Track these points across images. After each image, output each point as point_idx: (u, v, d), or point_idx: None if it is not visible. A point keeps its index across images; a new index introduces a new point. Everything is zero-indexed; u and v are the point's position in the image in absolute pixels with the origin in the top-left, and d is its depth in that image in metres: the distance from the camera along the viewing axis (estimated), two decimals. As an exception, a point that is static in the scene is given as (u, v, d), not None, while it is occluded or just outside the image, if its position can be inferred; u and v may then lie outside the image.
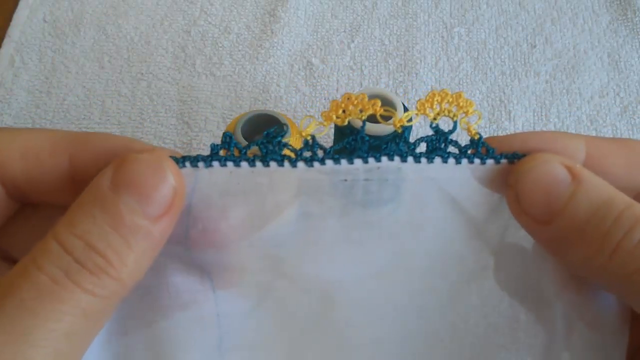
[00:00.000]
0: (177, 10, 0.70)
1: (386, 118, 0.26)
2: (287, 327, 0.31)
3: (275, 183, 0.25)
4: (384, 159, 0.25)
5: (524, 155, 0.26)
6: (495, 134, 0.53)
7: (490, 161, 0.26)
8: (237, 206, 0.26)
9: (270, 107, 0.62)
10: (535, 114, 0.62)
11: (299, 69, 0.65)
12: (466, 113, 0.26)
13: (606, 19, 0.69)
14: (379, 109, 0.25)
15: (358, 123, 0.26)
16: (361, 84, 0.64)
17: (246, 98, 0.63)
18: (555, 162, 0.25)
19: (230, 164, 0.25)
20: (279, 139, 0.25)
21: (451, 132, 0.26)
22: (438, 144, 0.26)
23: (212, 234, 0.26)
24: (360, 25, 0.69)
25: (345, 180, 0.26)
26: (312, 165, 0.25)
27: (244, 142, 0.47)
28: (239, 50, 0.66)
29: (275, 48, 0.66)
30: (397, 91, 0.64)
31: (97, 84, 0.64)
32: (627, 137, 0.60)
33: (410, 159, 0.25)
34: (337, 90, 0.64)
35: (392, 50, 0.67)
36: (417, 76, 0.65)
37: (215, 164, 0.25)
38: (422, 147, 0.26)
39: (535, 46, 0.67)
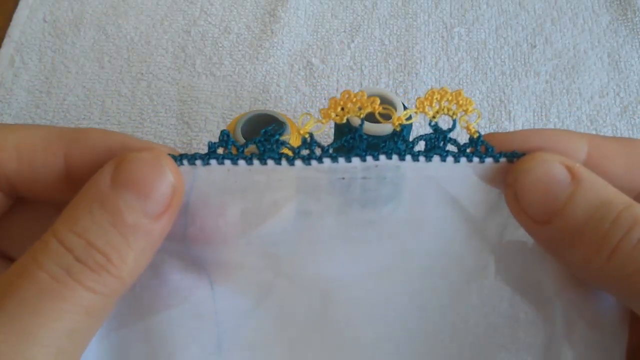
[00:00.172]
0: (177, 10, 0.70)
1: (385, 117, 0.26)
2: (287, 327, 0.31)
3: (272, 181, 0.25)
4: (382, 157, 0.25)
5: (523, 154, 0.26)
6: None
7: (489, 160, 0.26)
8: (234, 204, 0.26)
9: (270, 107, 0.62)
10: (535, 114, 0.62)
11: (299, 69, 0.65)
12: (466, 111, 0.26)
13: (606, 19, 0.69)
14: (377, 107, 0.25)
15: (357, 122, 0.26)
16: (361, 84, 0.64)
17: (246, 98, 0.63)
18: (555, 162, 0.25)
19: (227, 162, 0.25)
20: (277, 137, 0.25)
21: (450, 130, 0.26)
22: (437, 143, 0.26)
23: (209, 231, 0.26)
24: (360, 25, 0.69)
25: (343, 178, 0.26)
26: (309, 164, 0.25)
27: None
28: (239, 50, 0.66)
29: (275, 48, 0.66)
30: (397, 91, 0.64)
31: (97, 84, 0.64)
32: (627, 137, 0.60)
33: (408, 157, 0.25)
34: (337, 90, 0.64)
35: (392, 50, 0.67)
36: (417, 76, 0.64)
37: (213, 162, 0.25)
38: (421, 146, 0.26)
39: (535, 46, 0.67)
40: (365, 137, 0.25)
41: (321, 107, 0.62)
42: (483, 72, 0.65)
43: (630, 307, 0.25)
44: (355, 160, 0.25)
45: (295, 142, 0.49)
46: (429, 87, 0.63)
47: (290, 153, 0.25)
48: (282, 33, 0.67)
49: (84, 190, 0.24)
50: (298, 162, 0.25)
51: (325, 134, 0.59)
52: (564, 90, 0.63)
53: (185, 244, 0.27)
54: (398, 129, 0.26)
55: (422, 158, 0.25)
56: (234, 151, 0.25)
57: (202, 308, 0.29)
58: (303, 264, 0.29)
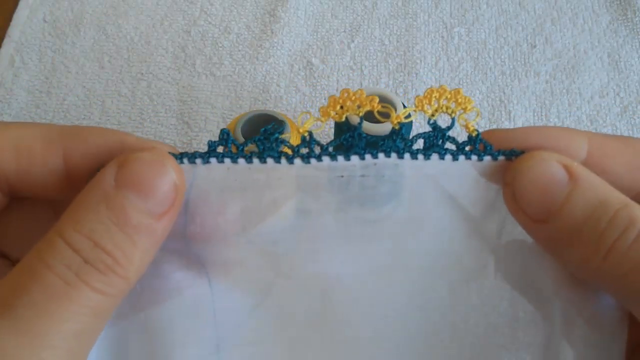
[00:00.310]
0: (177, 10, 0.70)
1: (385, 115, 0.26)
2: (287, 326, 0.31)
3: (272, 179, 0.26)
4: (381, 155, 0.25)
5: (522, 152, 0.26)
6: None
7: (487, 158, 0.26)
8: (234, 202, 0.26)
9: (270, 107, 0.62)
10: (535, 114, 0.62)
11: (299, 69, 0.65)
12: (464, 109, 0.26)
13: (606, 19, 0.69)
14: (376, 105, 0.25)
15: (356, 120, 0.26)
16: (361, 84, 0.64)
17: (246, 98, 0.63)
18: (553, 161, 0.25)
19: (227, 160, 0.25)
20: (276, 135, 0.25)
21: (449, 128, 0.26)
22: (435, 141, 0.26)
23: (209, 229, 0.27)
24: (360, 25, 0.69)
25: (342, 176, 0.26)
26: (308, 162, 0.25)
27: (244, 142, 0.47)
28: (239, 50, 0.66)
29: (275, 48, 0.66)
30: (397, 91, 0.64)
31: (97, 84, 0.64)
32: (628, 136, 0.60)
33: (407, 155, 0.25)
34: (337, 90, 0.64)
35: (392, 50, 0.67)
36: (417, 76, 0.64)
37: (213, 160, 0.25)
38: (420, 144, 0.26)
39: (535, 46, 0.67)
40: (364, 135, 0.25)
41: (321, 106, 0.62)
42: (483, 72, 0.65)
43: (627, 307, 0.25)
44: (354, 159, 0.25)
45: (295, 141, 0.49)
46: (429, 87, 0.63)
47: (290, 152, 0.25)
48: (282, 33, 0.67)
49: (88, 191, 0.24)
50: (297, 161, 0.25)
51: (326, 134, 0.59)
52: (564, 90, 0.63)
53: (185, 242, 0.27)
54: (397, 128, 0.26)
55: (420, 156, 0.26)
56: (233, 150, 0.26)
57: (199, 307, 0.29)
58: (303, 263, 0.29)
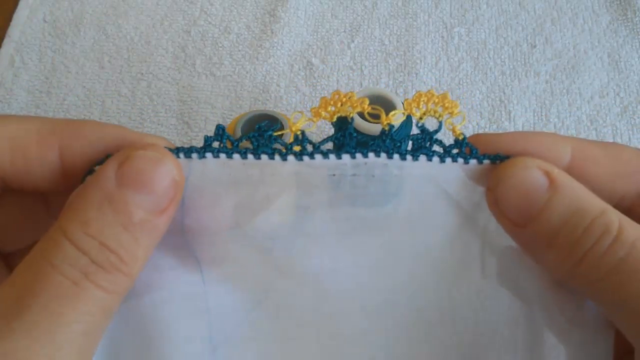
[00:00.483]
0: (177, 10, 0.70)
1: (375, 117, 0.26)
2: (282, 320, 0.31)
3: (265, 175, 0.26)
4: (371, 154, 0.26)
5: (506, 157, 0.26)
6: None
7: (473, 161, 0.26)
8: (228, 197, 0.26)
9: (270, 107, 0.62)
10: (535, 114, 0.62)
11: (299, 69, 0.65)
12: (451, 114, 0.27)
13: (606, 19, 0.69)
14: (366, 107, 0.26)
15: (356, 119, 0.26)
16: (361, 84, 0.64)
17: (246, 98, 0.63)
18: (534, 168, 0.25)
19: (222, 155, 0.26)
20: (270, 132, 0.26)
21: (436, 131, 0.27)
22: (423, 143, 0.26)
23: (204, 223, 0.27)
24: (360, 25, 0.69)
25: (334, 175, 0.26)
26: (301, 159, 0.26)
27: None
28: (239, 50, 0.66)
29: (275, 48, 0.66)
30: (397, 91, 0.64)
31: (97, 84, 0.64)
32: (627, 137, 0.60)
33: (396, 155, 0.26)
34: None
35: (392, 50, 0.67)
36: (417, 76, 0.64)
37: (209, 155, 0.26)
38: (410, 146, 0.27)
39: (535, 46, 0.67)
40: (355, 135, 0.26)
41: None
42: (483, 72, 0.65)
43: (604, 311, 0.26)
44: (345, 157, 0.26)
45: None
46: (429, 87, 0.63)
47: (283, 149, 0.26)
48: (282, 33, 0.67)
49: (89, 188, 0.24)
50: (291, 158, 0.26)
51: (326, 134, 0.59)
52: (564, 91, 0.63)
53: (180, 237, 0.27)
54: (387, 128, 0.26)
55: (409, 157, 0.26)
56: (229, 145, 0.26)
57: (191, 304, 0.29)
58: (299, 260, 0.29)
